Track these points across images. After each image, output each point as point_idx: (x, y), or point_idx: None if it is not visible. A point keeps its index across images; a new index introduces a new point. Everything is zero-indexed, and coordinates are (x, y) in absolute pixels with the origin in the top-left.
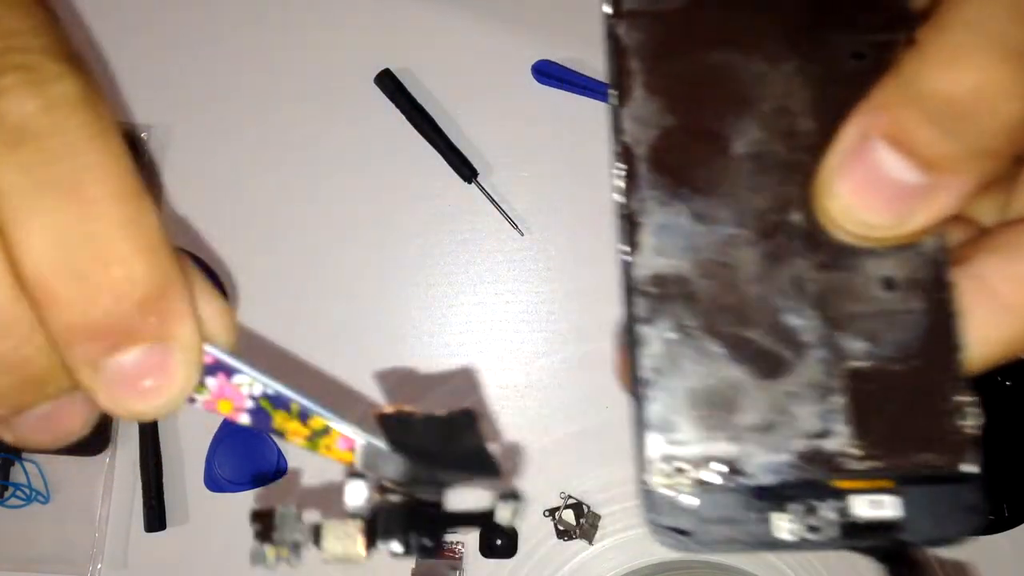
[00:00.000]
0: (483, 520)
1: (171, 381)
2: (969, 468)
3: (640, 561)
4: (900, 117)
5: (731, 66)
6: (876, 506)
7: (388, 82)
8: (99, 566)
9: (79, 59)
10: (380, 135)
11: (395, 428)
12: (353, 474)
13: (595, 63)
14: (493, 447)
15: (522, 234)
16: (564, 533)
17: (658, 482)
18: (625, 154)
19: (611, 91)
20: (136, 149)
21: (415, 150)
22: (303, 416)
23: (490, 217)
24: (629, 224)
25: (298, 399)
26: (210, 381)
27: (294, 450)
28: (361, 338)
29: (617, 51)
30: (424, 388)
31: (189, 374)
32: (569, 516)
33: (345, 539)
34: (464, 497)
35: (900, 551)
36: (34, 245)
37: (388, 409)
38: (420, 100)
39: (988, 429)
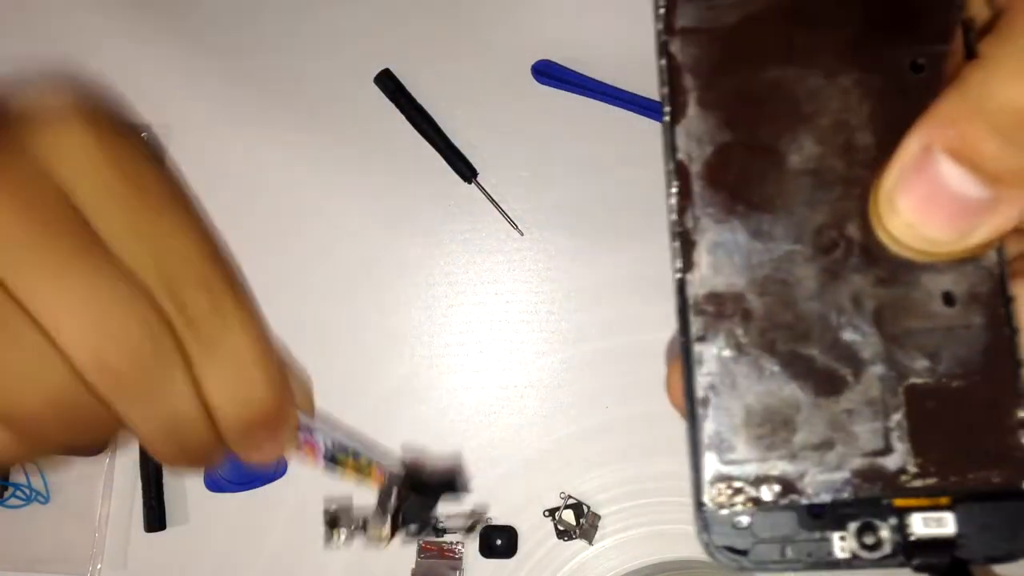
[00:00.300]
0: (464, 530)
1: (280, 445)
2: None
3: (640, 561)
4: (965, 130)
5: (786, 81)
6: (934, 523)
7: (388, 82)
8: (99, 566)
9: (225, 261)
10: (380, 135)
11: (412, 470)
12: (384, 490)
13: (595, 63)
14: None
15: (522, 234)
16: (564, 533)
17: (714, 502)
18: (679, 172)
19: (664, 108)
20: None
21: (415, 150)
22: (355, 456)
23: (490, 217)
24: (683, 242)
25: (351, 445)
26: (300, 436)
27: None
28: (361, 338)
29: (670, 68)
30: (424, 388)
31: (290, 441)
32: (569, 516)
33: (380, 527)
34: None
35: (959, 568)
36: (214, 388)
37: (408, 459)
38: (420, 100)
39: None
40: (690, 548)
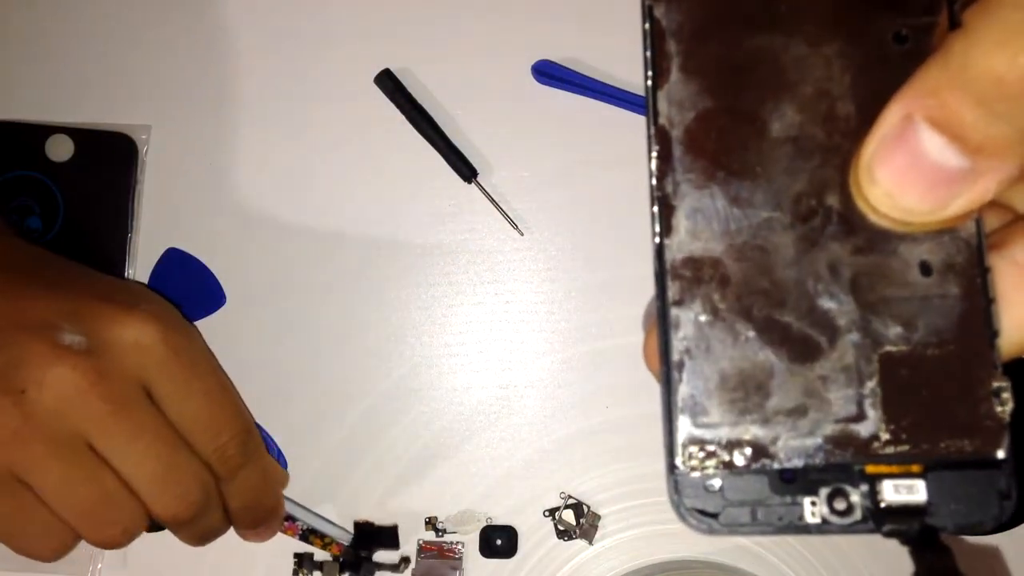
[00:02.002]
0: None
1: (272, 532)
2: (1000, 454)
3: (640, 561)
4: (946, 100)
5: (770, 48)
6: (905, 491)
7: (388, 82)
8: (99, 566)
9: (243, 406)
10: (380, 135)
11: (358, 533)
12: (337, 555)
13: (595, 63)
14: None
15: (522, 234)
16: (564, 533)
17: (687, 465)
18: (660, 136)
19: (647, 73)
20: (131, 155)
21: (415, 150)
22: (321, 536)
23: (490, 217)
24: (663, 207)
25: (319, 526)
26: (285, 522)
27: (293, 453)
28: (361, 338)
29: (654, 33)
30: (424, 388)
31: (278, 527)
32: (569, 516)
33: (334, 572)
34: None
35: (928, 536)
36: (235, 502)
37: (359, 520)
38: (420, 100)
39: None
40: (690, 548)
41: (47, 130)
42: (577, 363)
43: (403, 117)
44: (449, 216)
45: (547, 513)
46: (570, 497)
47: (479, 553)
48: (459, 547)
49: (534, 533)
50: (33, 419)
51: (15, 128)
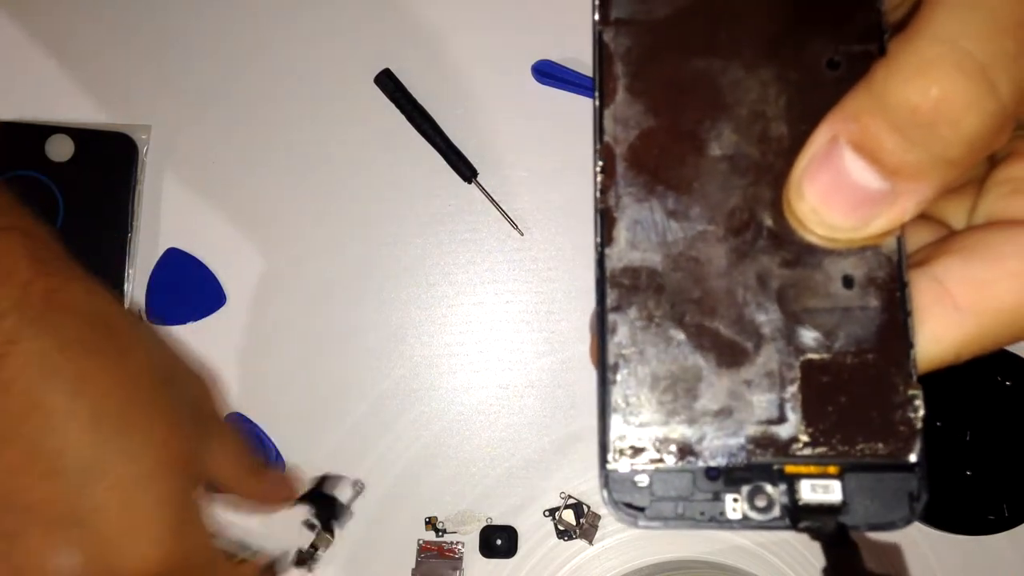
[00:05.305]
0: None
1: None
2: (912, 458)
3: (640, 561)
4: (867, 124)
5: (710, 72)
6: (822, 490)
7: (388, 82)
8: None
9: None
10: (380, 135)
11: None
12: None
13: None
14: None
15: (522, 234)
16: (564, 533)
17: (617, 460)
18: (604, 152)
19: (595, 93)
20: (131, 153)
21: (415, 150)
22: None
23: (490, 217)
24: (604, 218)
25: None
26: None
27: (292, 453)
28: (361, 338)
29: (602, 55)
30: (424, 388)
31: None
32: (569, 516)
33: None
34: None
35: (841, 534)
36: None
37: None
38: (420, 100)
39: (988, 429)
40: (690, 548)
41: (47, 130)
42: (577, 363)
43: (403, 117)
44: (449, 216)
45: (547, 513)
46: (570, 497)
47: (479, 553)
48: (459, 547)
49: (534, 533)
50: None
51: (15, 128)
